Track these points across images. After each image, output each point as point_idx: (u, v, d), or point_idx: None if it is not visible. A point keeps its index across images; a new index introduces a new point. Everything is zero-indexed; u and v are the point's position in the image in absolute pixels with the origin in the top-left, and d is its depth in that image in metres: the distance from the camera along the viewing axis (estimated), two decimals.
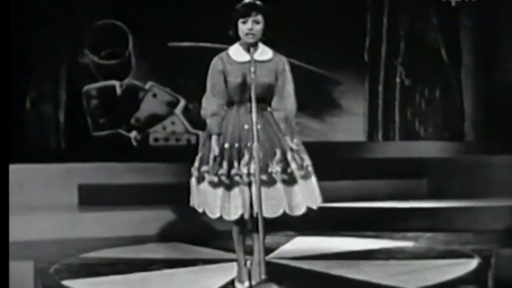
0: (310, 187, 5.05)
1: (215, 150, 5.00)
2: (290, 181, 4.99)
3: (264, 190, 4.90)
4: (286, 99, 5.12)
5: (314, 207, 5.06)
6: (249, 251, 5.18)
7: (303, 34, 9.74)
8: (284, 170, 5.00)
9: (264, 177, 4.93)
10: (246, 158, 4.97)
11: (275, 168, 4.98)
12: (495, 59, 10.08)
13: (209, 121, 5.08)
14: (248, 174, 4.94)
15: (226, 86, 5.04)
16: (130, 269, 6.05)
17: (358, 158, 9.55)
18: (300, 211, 5.02)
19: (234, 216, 4.99)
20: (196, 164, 5.11)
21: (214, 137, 5.04)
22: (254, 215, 4.92)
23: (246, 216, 4.98)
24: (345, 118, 10.23)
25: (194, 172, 5.11)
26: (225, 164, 4.99)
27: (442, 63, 10.25)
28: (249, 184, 4.94)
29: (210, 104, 5.08)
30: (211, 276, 5.69)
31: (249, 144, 4.97)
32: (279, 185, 4.97)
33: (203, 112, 5.12)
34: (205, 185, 5.05)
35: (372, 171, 8.73)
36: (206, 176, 5.05)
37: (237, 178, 4.96)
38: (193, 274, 5.91)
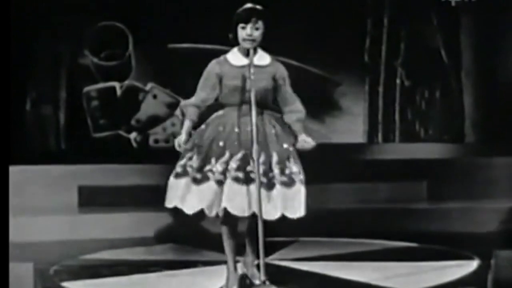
0: (291, 195, 4.98)
1: (182, 137, 5.01)
2: (269, 185, 4.96)
3: (238, 187, 4.89)
4: (296, 100, 5.15)
5: (293, 216, 4.99)
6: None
7: (303, 36, 9.73)
8: (265, 173, 4.97)
9: (241, 174, 4.92)
10: (226, 157, 4.96)
11: (275, 171, 4.98)
12: (495, 60, 10.07)
13: (186, 109, 5.10)
14: (222, 172, 4.93)
15: (219, 89, 5.06)
16: (130, 270, 6.06)
17: (358, 160, 9.55)
18: (272, 216, 4.95)
19: (191, 209, 4.97)
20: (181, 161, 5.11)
21: (186, 122, 5.06)
22: (220, 212, 4.92)
23: (213, 213, 4.97)
24: (345, 119, 10.22)
25: (178, 168, 5.12)
26: (195, 158, 4.99)
27: (442, 64, 10.25)
28: (219, 182, 4.93)
29: (193, 98, 5.11)
30: (211, 277, 5.69)
31: (236, 143, 4.96)
32: (253, 187, 4.95)
33: (183, 102, 5.14)
34: (186, 180, 5.04)
35: (372, 173, 8.73)
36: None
37: (209, 174, 4.95)
38: (193, 275, 5.92)
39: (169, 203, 5.09)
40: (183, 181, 5.03)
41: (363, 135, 10.26)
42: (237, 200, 4.88)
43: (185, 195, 5.00)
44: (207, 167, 4.97)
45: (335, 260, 6.36)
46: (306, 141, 5.03)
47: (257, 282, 5.10)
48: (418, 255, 6.48)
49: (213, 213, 4.97)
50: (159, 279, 5.84)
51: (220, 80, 5.06)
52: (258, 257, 5.00)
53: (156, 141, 10.18)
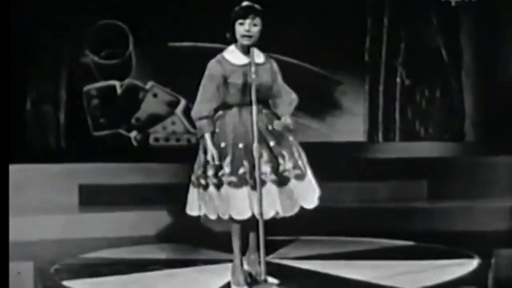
0: (305, 186, 5.05)
1: (211, 149, 4.98)
2: (282, 181, 5.00)
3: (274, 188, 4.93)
4: (290, 91, 5.20)
5: (309, 207, 5.04)
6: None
7: (303, 35, 9.73)
8: (295, 166, 5.01)
9: (277, 177, 4.95)
10: (265, 157, 4.98)
11: (288, 165, 5.00)
12: (495, 59, 10.07)
13: (198, 123, 5.06)
14: (252, 175, 4.96)
15: (225, 89, 5.03)
16: (130, 269, 6.06)
17: (359, 159, 9.54)
18: (291, 211, 5.02)
19: (242, 216, 4.97)
20: (211, 171, 5.03)
21: (207, 135, 5.01)
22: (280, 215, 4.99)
23: (270, 215, 5.00)
24: (345, 118, 10.22)
25: (213, 179, 5.05)
26: (246, 163, 4.97)
27: (442, 63, 10.24)
28: (254, 187, 4.96)
29: (203, 107, 5.06)
30: (211, 276, 5.69)
31: (251, 143, 4.98)
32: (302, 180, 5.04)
33: (193, 114, 5.10)
34: (225, 188, 5.00)
35: (373, 172, 8.73)
36: (208, 180, 5.03)
37: (246, 177, 4.95)
38: (193, 274, 5.92)
39: (224, 214, 5.04)
40: (223, 189, 4.99)
41: (364, 134, 10.25)
42: (279, 201, 4.95)
43: (230, 202, 4.98)
44: (241, 170, 4.96)
45: (335, 258, 6.36)
46: (286, 120, 5.02)
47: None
48: (418, 254, 6.47)
49: (269, 215, 4.97)
50: (158, 278, 5.84)
51: (225, 81, 5.04)
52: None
53: (156, 139, 10.18)
